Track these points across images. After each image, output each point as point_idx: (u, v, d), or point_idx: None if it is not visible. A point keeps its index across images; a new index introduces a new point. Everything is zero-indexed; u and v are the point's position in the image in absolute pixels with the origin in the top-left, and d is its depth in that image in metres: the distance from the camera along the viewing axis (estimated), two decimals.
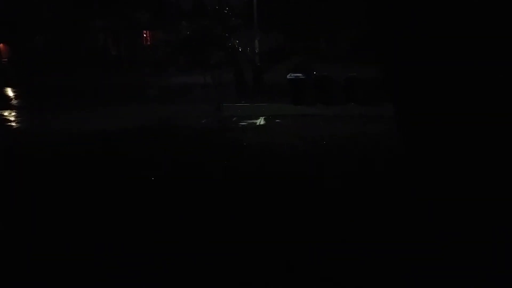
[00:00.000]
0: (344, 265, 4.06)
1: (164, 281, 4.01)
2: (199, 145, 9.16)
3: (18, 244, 4.86)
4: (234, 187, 6.37)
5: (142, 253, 4.48)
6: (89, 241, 4.77)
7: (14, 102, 17.30)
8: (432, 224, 3.46)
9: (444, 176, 2.93)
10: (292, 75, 13.80)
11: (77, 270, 4.22)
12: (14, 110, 14.93)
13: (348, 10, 22.93)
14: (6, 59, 28.16)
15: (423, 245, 3.95)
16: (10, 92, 20.00)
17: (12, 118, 13.42)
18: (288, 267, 4.12)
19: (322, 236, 4.67)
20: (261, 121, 11.57)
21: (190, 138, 9.98)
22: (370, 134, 9.30)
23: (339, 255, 4.23)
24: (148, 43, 28.31)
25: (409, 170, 4.17)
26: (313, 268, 4.08)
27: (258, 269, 4.10)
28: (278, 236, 4.69)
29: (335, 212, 5.27)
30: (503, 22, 2.52)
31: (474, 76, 2.77)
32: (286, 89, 13.76)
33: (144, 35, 28.48)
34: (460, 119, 2.75)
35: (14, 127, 12.30)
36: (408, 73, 3.08)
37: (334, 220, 5.05)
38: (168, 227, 5.06)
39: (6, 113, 14.18)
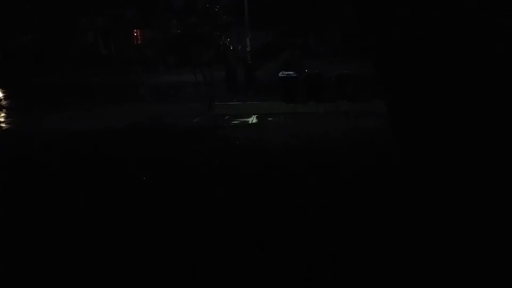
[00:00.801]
0: (344, 265, 4.09)
1: (163, 281, 4.03)
2: (192, 144, 9.17)
3: (15, 244, 4.84)
4: (228, 185, 6.39)
5: (138, 253, 4.49)
6: (83, 243, 4.77)
7: (4, 102, 17.12)
8: (430, 222, 3.50)
9: (440, 175, 2.97)
10: (283, 73, 13.81)
11: (75, 271, 4.22)
12: (4, 111, 14.79)
13: (338, 5, 23.01)
14: None
15: (422, 244, 3.99)
16: (0, 93, 19.80)
17: (2, 119, 13.29)
18: (286, 266, 4.15)
19: (319, 235, 4.69)
20: (253, 119, 11.59)
21: (183, 137, 9.98)
22: (362, 131, 9.36)
23: (338, 254, 4.26)
24: (139, 41, 28.16)
25: (403, 168, 4.21)
26: (312, 267, 4.11)
27: (256, 268, 4.13)
28: (273, 235, 4.72)
29: (330, 210, 5.31)
30: (498, 23, 2.56)
31: (469, 75, 2.80)
32: (277, 86, 13.77)
33: (135, 34, 28.33)
34: (455, 118, 2.79)
35: (4, 128, 12.19)
36: (401, 73, 3.11)
37: (329, 218, 5.08)
38: (163, 227, 5.07)
39: None
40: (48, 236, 4.96)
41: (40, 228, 5.20)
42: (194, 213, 5.42)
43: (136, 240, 4.75)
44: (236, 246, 4.52)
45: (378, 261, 4.08)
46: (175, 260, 4.34)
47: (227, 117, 11.97)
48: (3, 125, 12.52)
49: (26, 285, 4.10)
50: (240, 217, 5.24)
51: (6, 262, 4.49)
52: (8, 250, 4.76)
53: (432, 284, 3.62)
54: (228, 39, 18.24)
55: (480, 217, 2.74)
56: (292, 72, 13.80)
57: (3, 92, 19.79)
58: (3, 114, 14.17)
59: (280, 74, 13.80)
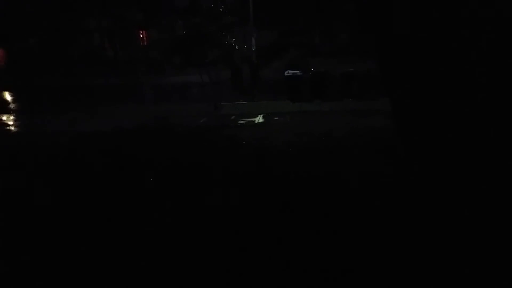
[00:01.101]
0: (343, 265, 4.12)
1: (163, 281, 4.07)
2: (199, 144, 9.22)
3: (15, 243, 4.92)
4: (234, 185, 6.43)
5: (141, 253, 4.54)
6: (85, 242, 4.82)
7: (12, 105, 17.29)
8: (432, 222, 3.51)
9: (443, 175, 2.98)
10: (289, 71, 13.84)
11: (74, 272, 4.28)
12: (12, 114, 14.94)
13: (342, 3, 22.97)
14: (2, 63, 28.07)
15: (423, 245, 4.00)
16: (7, 95, 19.98)
17: (11, 122, 13.43)
18: (286, 266, 4.19)
19: (321, 234, 4.72)
20: (259, 118, 11.62)
21: (189, 137, 10.03)
22: (368, 129, 9.37)
23: (338, 256, 4.28)
24: (144, 42, 28.27)
25: (408, 168, 4.21)
26: (311, 267, 4.14)
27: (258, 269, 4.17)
28: (277, 236, 4.75)
29: (334, 210, 5.34)
30: (501, 22, 2.57)
31: (472, 74, 2.81)
32: (283, 86, 13.80)
33: (140, 35, 28.43)
34: (460, 119, 2.80)
35: (13, 130, 12.32)
36: (405, 73, 3.13)
37: (333, 219, 5.11)
38: (168, 227, 5.12)
39: (4, 117, 14.20)
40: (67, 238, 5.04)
41: (59, 231, 5.28)
42: (199, 214, 5.47)
43: (134, 242, 4.81)
44: (239, 248, 4.56)
45: (379, 262, 4.10)
46: (175, 261, 4.39)
47: (233, 117, 12.01)
48: (12, 128, 12.65)
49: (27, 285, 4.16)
50: (245, 218, 5.28)
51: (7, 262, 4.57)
52: (12, 250, 4.83)
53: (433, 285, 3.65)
54: (233, 39, 18.27)
55: (483, 220, 2.76)
56: (297, 71, 13.83)
57: (10, 95, 19.98)
58: (12, 117, 14.31)
59: (286, 73, 13.82)
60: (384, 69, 3.52)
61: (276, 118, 11.58)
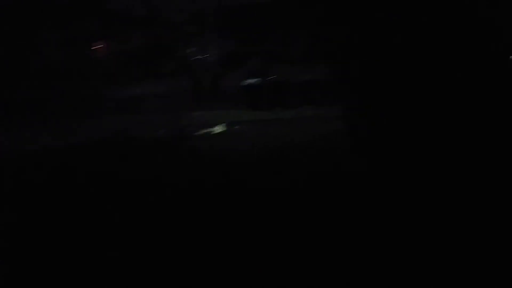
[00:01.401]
0: (336, 268, 3.98)
1: None
2: (156, 158, 8.99)
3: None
4: (194, 200, 6.23)
5: None
6: None
7: None
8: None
9: (404, 178, 2.97)
10: (247, 80, 13.86)
11: None
12: None
13: (303, 11, 23.23)
14: None
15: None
16: None
17: None
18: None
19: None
20: (218, 128, 11.57)
21: (147, 150, 9.78)
22: (327, 135, 9.38)
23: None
24: (101, 54, 27.75)
25: (365, 173, 4.18)
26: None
27: None
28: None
29: (297, 223, 5.21)
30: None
31: (424, 79, 2.83)
32: (243, 94, 13.79)
33: (96, 46, 27.89)
34: (422, 124, 2.81)
35: None
36: (366, 78, 3.15)
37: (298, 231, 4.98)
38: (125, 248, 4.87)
39: None
40: None
41: None
42: (161, 234, 5.25)
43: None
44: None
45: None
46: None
47: (192, 127, 11.87)
48: None
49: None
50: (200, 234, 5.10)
51: None
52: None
53: None
54: (193, 48, 18.10)
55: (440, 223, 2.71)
56: (257, 79, 13.86)
57: None
58: None
59: (246, 82, 13.82)
60: (337, 79, 3.59)
61: (236, 127, 11.56)
